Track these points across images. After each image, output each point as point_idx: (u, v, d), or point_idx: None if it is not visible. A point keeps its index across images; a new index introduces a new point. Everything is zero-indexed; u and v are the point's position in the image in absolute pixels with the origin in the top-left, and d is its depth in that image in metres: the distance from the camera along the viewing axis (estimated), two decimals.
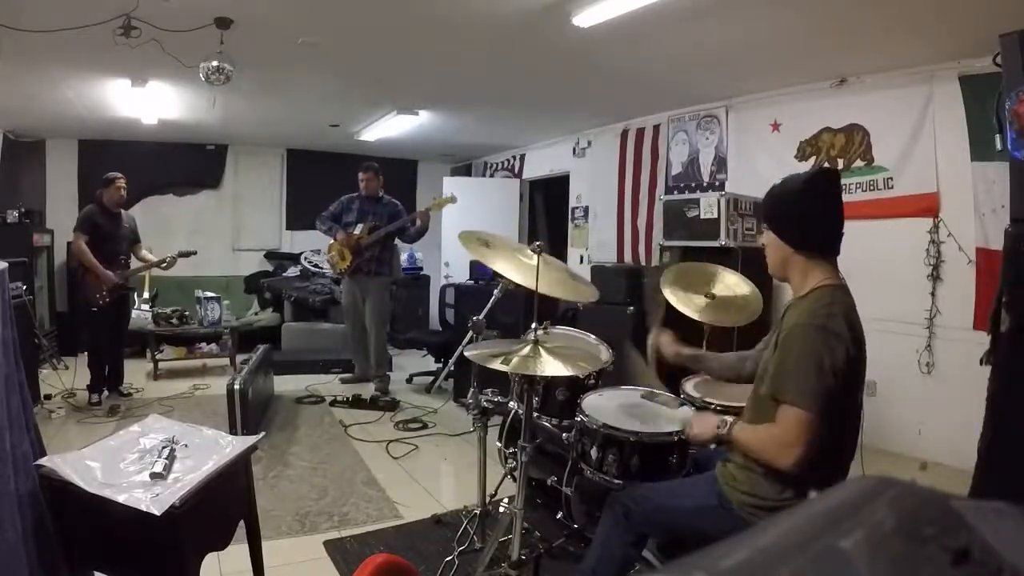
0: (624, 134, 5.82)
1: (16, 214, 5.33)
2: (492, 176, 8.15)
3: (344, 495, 3.12)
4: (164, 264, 4.82)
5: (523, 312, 4.10)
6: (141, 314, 5.58)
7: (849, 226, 1.63)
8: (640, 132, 5.66)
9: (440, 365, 5.42)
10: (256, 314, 6.99)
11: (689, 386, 2.43)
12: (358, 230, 4.92)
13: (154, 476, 1.59)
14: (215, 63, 3.46)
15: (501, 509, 2.61)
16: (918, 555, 0.34)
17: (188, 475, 1.62)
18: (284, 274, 7.28)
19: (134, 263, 4.76)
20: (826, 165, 4.12)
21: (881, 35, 3.28)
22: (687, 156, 5.22)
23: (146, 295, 5.85)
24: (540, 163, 7.28)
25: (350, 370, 5.51)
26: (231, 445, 1.83)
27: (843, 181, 3.94)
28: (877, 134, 3.92)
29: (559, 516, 2.42)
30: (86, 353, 4.78)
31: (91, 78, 4.38)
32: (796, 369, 1.46)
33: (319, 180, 7.49)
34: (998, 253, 2.87)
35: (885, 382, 3.59)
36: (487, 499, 2.56)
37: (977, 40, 3.07)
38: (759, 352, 1.82)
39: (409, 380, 5.50)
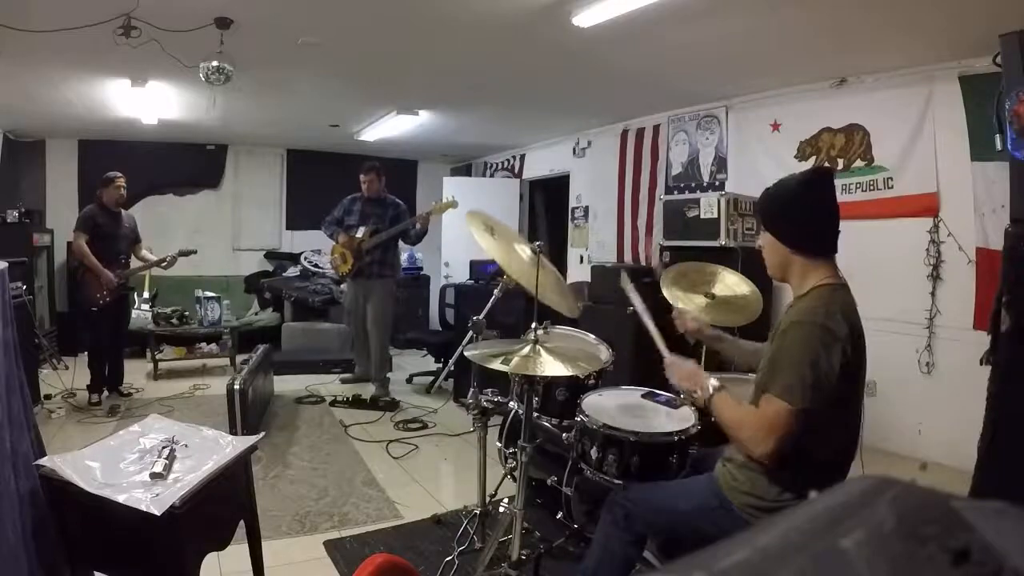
0: (624, 134, 5.82)
1: (16, 214, 5.33)
2: (492, 176, 8.15)
3: (344, 495, 3.12)
4: (164, 263, 4.82)
5: (523, 312, 4.10)
6: (141, 314, 5.58)
7: (849, 226, 1.63)
8: (640, 132, 5.66)
9: (440, 365, 5.42)
10: (256, 314, 6.99)
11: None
12: (360, 233, 4.88)
13: (154, 476, 1.59)
14: (215, 63, 3.46)
15: (501, 509, 2.60)
16: (918, 555, 0.34)
17: (188, 475, 1.62)
18: (284, 274, 7.28)
19: (134, 263, 4.76)
20: (826, 164, 4.12)
21: (881, 35, 3.28)
22: (687, 156, 5.22)
23: (146, 295, 5.85)
24: (540, 163, 7.28)
25: (350, 370, 5.51)
26: (231, 445, 1.83)
27: (843, 181, 4.01)
28: (877, 134, 3.92)
29: (559, 516, 2.42)
30: (86, 353, 4.78)
31: (91, 78, 4.38)
32: (788, 364, 1.46)
33: (319, 180, 7.51)
34: (998, 253, 2.87)
35: (885, 382, 3.59)
36: (487, 499, 2.57)
37: (977, 40, 3.07)
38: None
39: (409, 380, 5.50)
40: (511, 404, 2.55)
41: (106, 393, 4.64)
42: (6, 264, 1.66)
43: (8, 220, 5.26)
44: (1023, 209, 2.60)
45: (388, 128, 6.05)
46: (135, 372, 5.22)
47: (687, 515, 1.66)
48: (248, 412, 3.70)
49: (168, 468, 1.63)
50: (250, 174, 7.62)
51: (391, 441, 3.92)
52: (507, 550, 2.09)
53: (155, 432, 1.86)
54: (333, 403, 4.76)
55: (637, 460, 1.94)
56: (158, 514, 1.44)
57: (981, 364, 2.64)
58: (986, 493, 2.08)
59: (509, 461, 2.59)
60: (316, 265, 7.21)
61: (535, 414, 2.34)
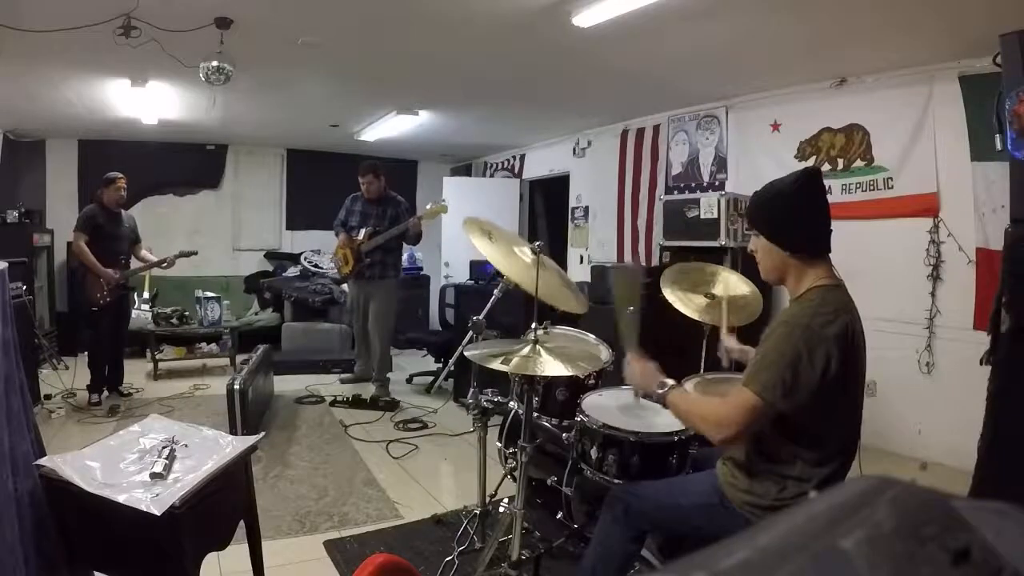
0: (624, 134, 5.82)
1: (16, 214, 5.34)
2: (492, 176, 8.15)
3: (344, 495, 3.12)
4: (164, 264, 4.83)
5: (523, 312, 4.09)
6: (141, 314, 5.59)
7: (849, 226, 1.64)
8: (640, 132, 5.66)
9: (440, 365, 5.42)
10: (256, 314, 7.00)
11: (688, 386, 2.42)
12: (361, 234, 4.87)
13: (154, 476, 1.59)
14: (215, 63, 3.46)
15: (501, 509, 2.60)
16: (918, 555, 0.34)
17: (188, 475, 1.62)
18: (284, 274, 7.28)
19: (134, 263, 4.76)
20: (826, 166, 4.12)
21: (881, 35, 3.28)
22: (687, 156, 5.22)
23: (146, 295, 5.86)
24: (540, 163, 7.28)
25: (350, 370, 5.51)
26: (231, 445, 1.83)
27: (843, 181, 4.01)
28: (877, 134, 3.92)
29: (559, 516, 2.42)
30: (86, 353, 4.78)
31: (91, 78, 4.38)
32: (769, 362, 1.46)
33: (319, 180, 7.52)
34: (998, 253, 2.88)
35: (885, 382, 3.59)
36: (487, 499, 2.56)
37: (977, 40, 3.07)
38: None
39: (409, 380, 5.50)
40: (511, 404, 2.55)
41: (106, 393, 4.64)
42: (6, 264, 1.66)
43: (8, 220, 5.27)
44: (1023, 209, 2.60)
45: (388, 128, 6.05)
46: (135, 372, 5.22)
47: (687, 511, 1.66)
48: (248, 412, 3.69)
49: (168, 468, 1.63)
50: (250, 174, 7.62)
51: (391, 441, 3.92)
52: (507, 550, 2.08)
53: (155, 432, 1.86)
54: (333, 403, 4.76)
55: (637, 460, 1.94)
56: (158, 514, 1.44)
57: (981, 364, 2.63)
58: (986, 493, 2.08)
59: (509, 461, 2.59)
60: (316, 265, 7.21)
61: (535, 414, 2.34)
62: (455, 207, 7.32)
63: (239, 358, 5.09)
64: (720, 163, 4.95)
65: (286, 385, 5.14)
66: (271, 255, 7.72)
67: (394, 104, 5.35)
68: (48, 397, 4.47)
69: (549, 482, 2.41)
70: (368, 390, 4.97)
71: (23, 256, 4.78)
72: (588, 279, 4.85)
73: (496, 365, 1.87)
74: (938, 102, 3.61)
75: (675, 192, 5.21)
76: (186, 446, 1.78)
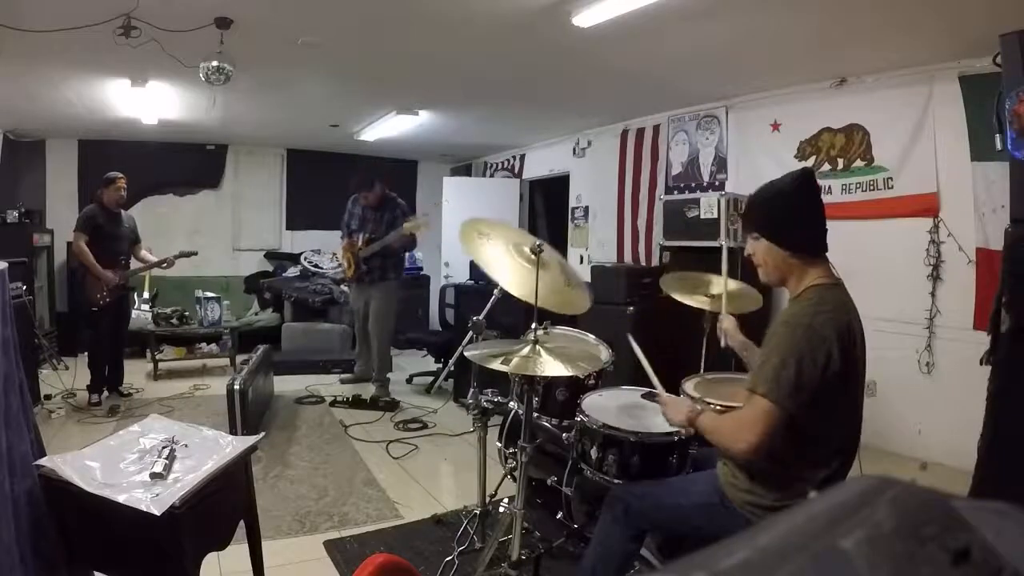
0: (624, 134, 5.82)
1: (16, 214, 5.33)
2: (492, 176, 8.15)
3: (344, 495, 3.12)
4: (164, 264, 4.83)
5: (523, 312, 4.09)
6: (141, 314, 5.59)
7: (849, 226, 1.64)
8: (640, 132, 5.66)
9: (440, 365, 5.42)
10: (256, 314, 7.00)
11: (689, 386, 2.43)
12: (360, 240, 4.90)
13: (154, 476, 1.59)
14: (215, 63, 3.45)
15: (501, 509, 2.60)
16: (918, 555, 0.34)
17: (188, 475, 1.62)
18: (284, 274, 7.28)
19: (134, 263, 4.76)
20: (826, 166, 4.13)
21: (881, 35, 3.28)
22: (687, 156, 5.22)
23: (146, 295, 5.86)
24: (540, 163, 7.28)
25: (350, 370, 5.51)
26: (231, 445, 1.83)
27: (843, 181, 4.02)
28: (877, 134, 3.92)
29: (559, 516, 2.42)
30: (86, 353, 4.78)
31: (91, 78, 4.38)
32: (774, 363, 1.46)
33: (319, 180, 7.52)
34: (998, 253, 2.88)
35: (885, 382, 3.59)
36: (487, 499, 2.56)
37: (977, 40, 3.07)
38: None
39: (409, 380, 5.50)
40: (511, 404, 2.55)
41: (106, 393, 4.64)
42: (6, 264, 1.66)
43: (8, 220, 5.27)
44: (1023, 209, 2.60)
45: (388, 128, 6.05)
46: (135, 372, 5.22)
47: (688, 511, 1.66)
48: (248, 412, 3.69)
49: (168, 468, 1.63)
50: (250, 174, 7.62)
51: (391, 441, 3.92)
52: (507, 550, 2.08)
53: (155, 432, 1.86)
54: (333, 403, 4.76)
55: (637, 460, 1.94)
56: (158, 514, 1.44)
57: (981, 364, 2.63)
58: (986, 493, 2.08)
59: (509, 461, 2.59)
60: (316, 265, 7.21)
61: (535, 414, 2.34)
62: (455, 207, 7.33)
63: (239, 358, 5.09)
64: (720, 163, 4.95)
65: (286, 385, 5.14)
66: (271, 255, 7.72)
67: (394, 104, 5.35)
68: (48, 397, 4.47)
69: (549, 482, 2.41)
70: (368, 390, 4.98)
71: (23, 256, 4.78)
72: (588, 279, 4.85)
73: (496, 365, 1.87)
74: (938, 102, 3.61)
75: (675, 192, 5.21)
76: (186, 446, 1.78)
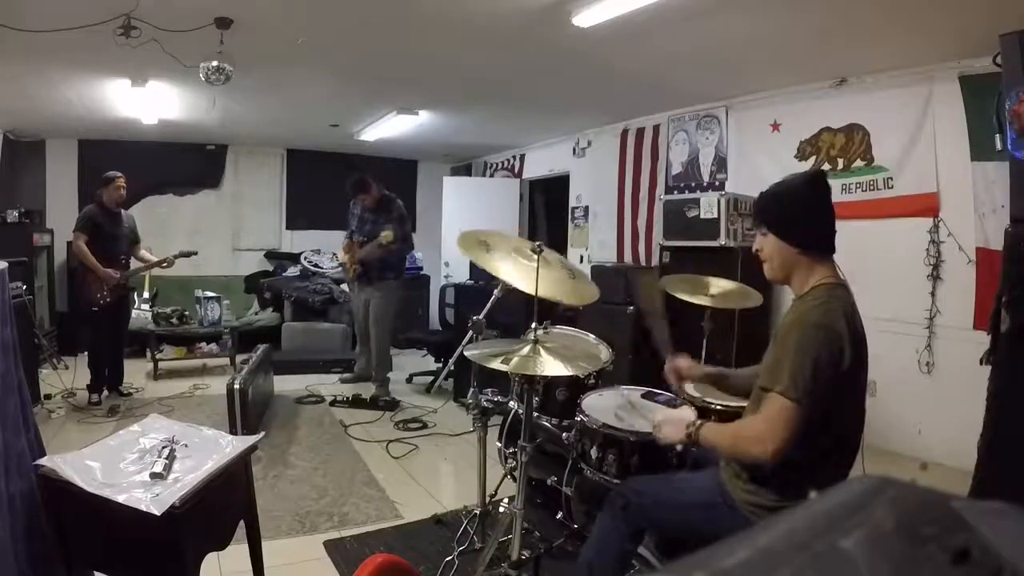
0: (624, 134, 5.82)
1: (16, 214, 5.33)
2: (492, 176, 8.15)
3: (344, 495, 3.12)
4: (164, 264, 4.83)
5: (523, 312, 4.09)
6: (141, 314, 5.59)
7: (849, 226, 1.64)
8: (640, 132, 5.66)
9: (440, 365, 5.42)
10: (256, 314, 6.99)
11: (689, 386, 2.43)
12: (357, 241, 4.93)
13: (154, 476, 1.59)
14: (215, 63, 3.46)
15: (501, 509, 2.61)
16: (918, 555, 0.34)
17: (188, 475, 1.62)
18: (284, 274, 7.28)
19: (134, 263, 4.76)
20: (826, 166, 4.12)
21: (881, 35, 3.28)
22: (687, 156, 5.22)
23: (146, 295, 5.86)
24: (540, 163, 7.28)
25: (350, 370, 5.52)
26: (231, 445, 1.82)
27: (843, 181, 4.02)
28: (877, 134, 3.92)
29: (559, 516, 2.42)
30: (86, 353, 4.78)
31: (91, 78, 4.38)
32: (789, 362, 1.46)
33: (319, 180, 7.52)
34: (998, 253, 2.88)
35: (885, 382, 3.59)
36: (487, 499, 2.56)
37: (977, 40, 3.07)
38: None
39: (409, 380, 5.50)
40: (511, 404, 2.55)
41: (106, 393, 4.64)
42: (6, 264, 1.66)
43: (8, 220, 5.27)
44: (1023, 209, 2.60)
45: (388, 128, 6.05)
46: (135, 372, 5.22)
47: (688, 510, 1.65)
48: (248, 412, 3.69)
49: (168, 468, 1.63)
50: (250, 174, 7.62)
51: (391, 441, 3.92)
52: (507, 550, 2.08)
53: (155, 432, 1.86)
54: (333, 403, 4.76)
55: (637, 460, 1.94)
56: (158, 514, 1.44)
57: (981, 364, 2.64)
58: (986, 493, 2.08)
59: (509, 461, 2.59)
60: (316, 265, 7.22)
61: (535, 414, 2.34)
62: (455, 207, 7.34)
63: (239, 358, 5.09)
64: (720, 163, 4.95)
65: (286, 385, 5.14)
66: (271, 255, 7.72)
67: (394, 104, 5.35)
68: (48, 397, 4.47)
69: (549, 482, 2.41)
70: (368, 390, 4.98)
71: (23, 256, 4.78)
72: (588, 279, 4.84)
73: (496, 365, 1.87)
74: (938, 102, 3.61)
75: (675, 192, 5.21)
76: (186, 446, 1.78)
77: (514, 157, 7.67)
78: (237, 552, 1.90)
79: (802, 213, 1.60)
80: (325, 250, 7.37)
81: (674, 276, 2.79)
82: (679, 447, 1.80)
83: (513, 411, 2.57)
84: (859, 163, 4.00)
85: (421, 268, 7.53)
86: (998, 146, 3.24)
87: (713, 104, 4.94)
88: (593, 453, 2.01)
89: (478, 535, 2.49)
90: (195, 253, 5.15)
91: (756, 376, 1.87)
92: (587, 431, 2.06)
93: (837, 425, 1.50)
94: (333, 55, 3.90)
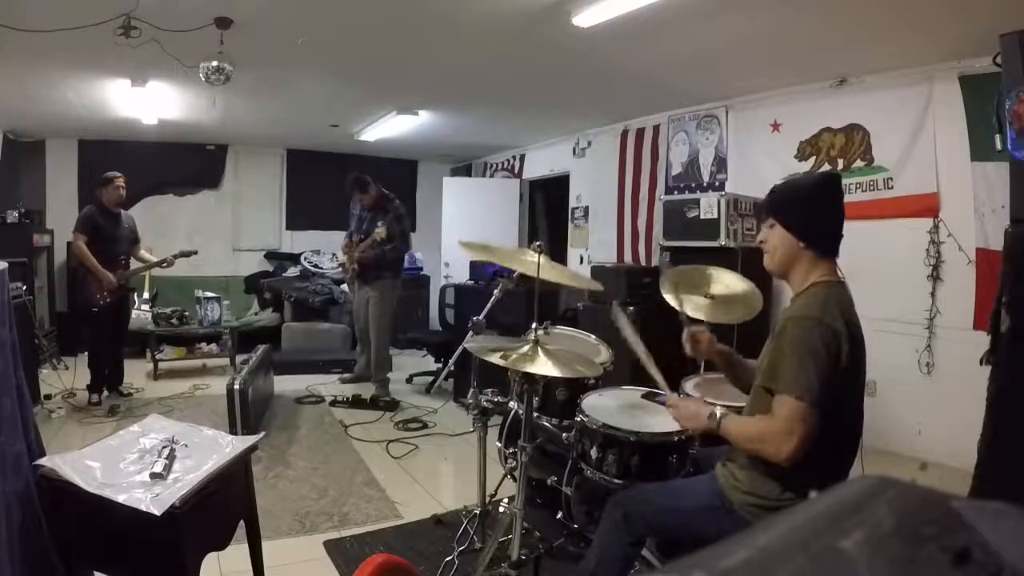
0: (624, 134, 5.82)
1: (16, 214, 5.32)
2: (492, 176, 8.15)
3: (344, 495, 3.12)
4: (164, 264, 4.83)
5: (523, 312, 4.09)
6: (141, 314, 5.59)
7: (849, 226, 1.64)
8: (640, 132, 5.66)
9: (440, 365, 5.42)
10: (256, 314, 6.99)
11: (689, 386, 2.43)
12: (356, 240, 4.94)
13: (154, 476, 1.59)
14: (215, 63, 3.45)
15: (501, 509, 2.60)
16: (918, 555, 0.34)
17: (188, 475, 1.62)
18: (284, 274, 7.28)
19: (134, 264, 4.76)
20: (826, 166, 4.12)
21: (881, 35, 3.28)
22: (687, 156, 5.22)
23: (146, 295, 5.86)
24: (540, 163, 7.28)
25: (350, 370, 5.52)
26: (231, 445, 1.83)
27: (843, 181, 3.98)
28: (877, 134, 3.92)
29: (559, 516, 2.43)
30: (86, 353, 4.78)
31: (91, 78, 4.38)
32: (791, 360, 1.46)
33: (319, 180, 7.52)
34: (998, 253, 2.88)
35: (885, 382, 3.59)
36: (487, 499, 2.56)
37: (977, 40, 3.07)
38: None
39: (409, 380, 5.50)
40: (511, 404, 2.55)
41: (106, 393, 4.64)
42: (6, 264, 1.66)
43: (8, 220, 5.26)
44: (1023, 209, 2.60)
45: (388, 128, 6.05)
46: (135, 372, 5.22)
47: (687, 515, 1.65)
48: (248, 412, 3.69)
49: (168, 468, 1.63)
50: (250, 174, 7.62)
51: (391, 441, 3.92)
52: (507, 550, 2.08)
53: (155, 432, 1.86)
54: (333, 403, 4.76)
55: (637, 460, 1.94)
56: (158, 514, 1.44)
57: (981, 364, 2.63)
58: (986, 493, 2.08)
59: (509, 461, 2.59)
60: (316, 265, 7.22)
61: (535, 414, 2.34)
62: (455, 207, 7.33)
63: (239, 358, 5.08)
64: (720, 163, 4.95)
65: (286, 385, 5.14)
66: (271, 255, 7.72)
67: (394, 104, 5.35)
68: (48, 397, 4.47)
69: (549, 482, 2.41)
70: (368, 390, 4.98)
71: (23, 256, 4.77)
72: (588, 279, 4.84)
73: (495, 359, 1.87)
74: (938, 102, 3.61)
75: (675, 192, 5.21)
76: (186, 446, 1.78)
77: (514, 157, 7.67)
78: (237, 552, 1.90)
79: (811, 208, 1.61)
80: (325, 250, 7.37)
81: (670, 273, 2.71)
82: (683, 434, 1.78)
83: (513, 411, 2.56)
84: (859, 163, 4.00)
85: (421, 268, 7.53)
86: (998, 146, 3.24)
87: (713, 104, 4.94)
88: (593, 453, 2.00)
89: (478, 535, 2.49)
90: (195, 253, 5.15)
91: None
92: (587, 431, 2.05)
93: (836, 425, 1.50)
94: (333, 55, 3.90)
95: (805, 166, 4.26)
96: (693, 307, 2.45)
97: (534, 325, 2.04)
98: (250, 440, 1.91)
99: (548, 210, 7.87)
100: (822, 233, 1.60)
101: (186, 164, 7.16)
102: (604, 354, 2.61)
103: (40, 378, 4.57)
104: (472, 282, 5.68)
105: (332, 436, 4.05)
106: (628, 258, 5.75)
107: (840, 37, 3.35)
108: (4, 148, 6.02)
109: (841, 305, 1.51)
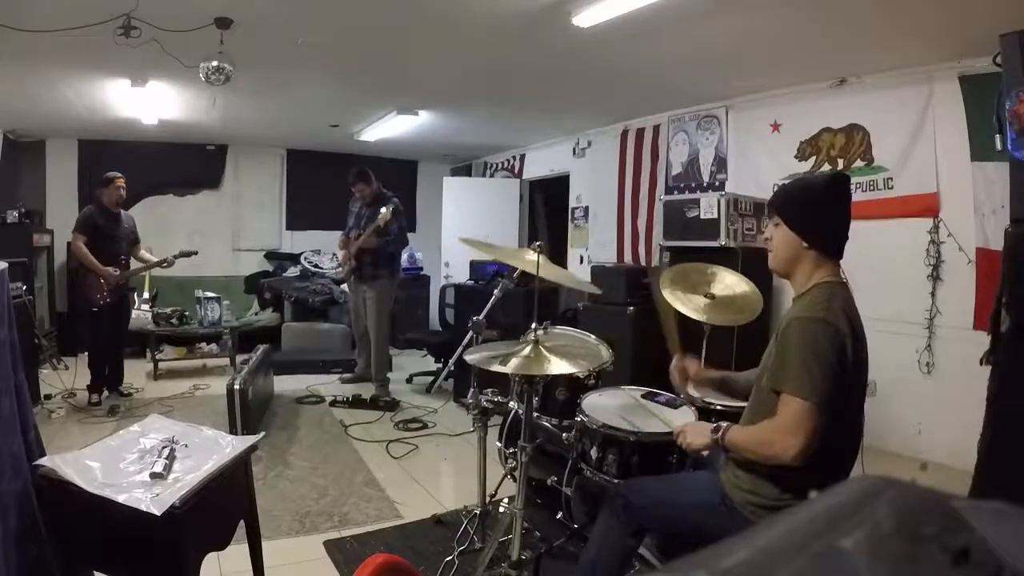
0: (624, 134, 5.81)
1: (16, 214, 5.33)
2: (492, 176, 8.15)
3: (344, 495, 3.12)
4: (164, 264, 4.83)
5: (523, 312, 4.10)
6: (141, 314, 5.58)
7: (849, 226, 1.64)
8: (640, 132, 5.66)
9: (440, 365, 5.42)
10: (256, 314, 6.99)
11: (689, 386, 2.42)
12: (353, 236, 4.94)
13: (154, 476, 1.59)
14: (215, 63, 3.45)
15: (501, 509, 2.61)
16: (918, 555, 0.34)
17: (188, 475, 1.62)
18: (284, 274, 7.28)
19: (134, 263, 4.76)
20: (827, 167, 4.13)
21: (881, 35, 3.28)
22: (687, 156, 5.22)
23: (146, 295, 5.86)
24: (540, 163, 7.28)
25: (350, 370, 5.52)
26: (231, 445, 1.83)
27: None
28: (877, 134, 3.92)
29: (559, 516, 2.42)
30: (86, 353, 4.78)
31: (91, 78, 4.38)
32: (796, 360, 1.46)
33: (319, 180, 7.52)
34: (998, 253, 2.88)
35: (885, 382, 3.59)
36: (487, 499, 2.56)
37: (977, 40, 3.07)
38: None
39: (409, 380, 5.50)
40: (511, 404, 2.55)
41: (106, 393, 4.64)
42: (6, 264, 1.66)
43: (8, 220, 5.26)
44: (1023, 209, 2.60)
45: (388, 128, 6.05)
46: (135, 372, 5.22)
47: (687, 509, 1.66)
48: (248, 412, 3.70)
49: (168, 468, 1.63)
50: (250, 174, 7.62)
51: (391, 441, 3.92)
52: (507, 550, 2.08)
53: (155, 432, 1.86)
54: (333, 403, 4.76)
55: (637, 460, 1.94)
56: (158, 514, 1.44)
57: (981, 364, 2.63)
58: (986, 493, 2.08)
59: (509, 461, 2.59)
60: (316, 265, 7.22)
61: (535, 414, 2.34)
62: (455, 208, 7.33)
63: (239, 358, 5.08)
64: (720, 163, 4.95)
65: (286, 385, 5.14)
66: (271, 255, 7.72)
67: (394, 104, 5.35)
68: (48, 397, 4.47)
69: (549, 482, 2.41)
70: (368, 390, 4.98)
71: (23, 256, 4.77)
72: (588, 280, 4.85)
73: (495, 367, 1.87)
74: (938, 102, 3.61)
75: (675, 192, 5.21)
76: (186, 446, 1.78)
77: (514, 157, 7.67)
78: (237, 552, 1.90)
79: (816, 209, 1.61)
80: (325, 250, 7.37)
81: (672, 269, 2.68)
82: (705, 452, 1.79)
83: (513, 411, 2.57)
84: (859, 163, 4.00)
85: (421, 268, 7.53)
86: (998, 146, 3.24)
87: (713, 104, 4.94)
88: (593, 453, 2.01)
89: (478, 535, 2.49)
90: (195, 253, 5.15)
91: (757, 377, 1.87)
92: (587, 431, 2.06)
93: (837, 424, 1.50)
94: (333, 55, 3.90)
95: (805, 166, 4.26)
96: (693, 307, 2.45)
97: (533, 325, 2.04)
98: (250, 440, 1.91)
99: (548, 210, 7.87)
100: (826, 234, 1.60)
101: (186, 164, 7.16)
102: (604, 354, 2.61)
103: (40, 378, 4.57)
104: (472, 282, 5.69)
105: (332, 436, 4.05)
106: (628, 258, 5.75)
107: (840, 37, 3.35)
108: (4, 148, 6.02)
109: (845, 305, 1.52)
